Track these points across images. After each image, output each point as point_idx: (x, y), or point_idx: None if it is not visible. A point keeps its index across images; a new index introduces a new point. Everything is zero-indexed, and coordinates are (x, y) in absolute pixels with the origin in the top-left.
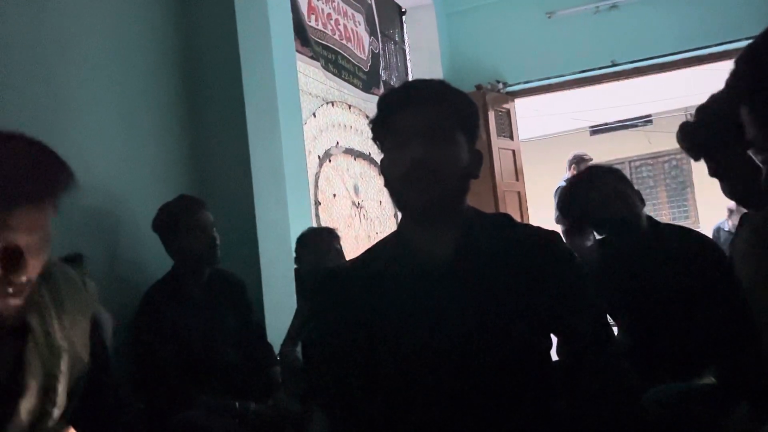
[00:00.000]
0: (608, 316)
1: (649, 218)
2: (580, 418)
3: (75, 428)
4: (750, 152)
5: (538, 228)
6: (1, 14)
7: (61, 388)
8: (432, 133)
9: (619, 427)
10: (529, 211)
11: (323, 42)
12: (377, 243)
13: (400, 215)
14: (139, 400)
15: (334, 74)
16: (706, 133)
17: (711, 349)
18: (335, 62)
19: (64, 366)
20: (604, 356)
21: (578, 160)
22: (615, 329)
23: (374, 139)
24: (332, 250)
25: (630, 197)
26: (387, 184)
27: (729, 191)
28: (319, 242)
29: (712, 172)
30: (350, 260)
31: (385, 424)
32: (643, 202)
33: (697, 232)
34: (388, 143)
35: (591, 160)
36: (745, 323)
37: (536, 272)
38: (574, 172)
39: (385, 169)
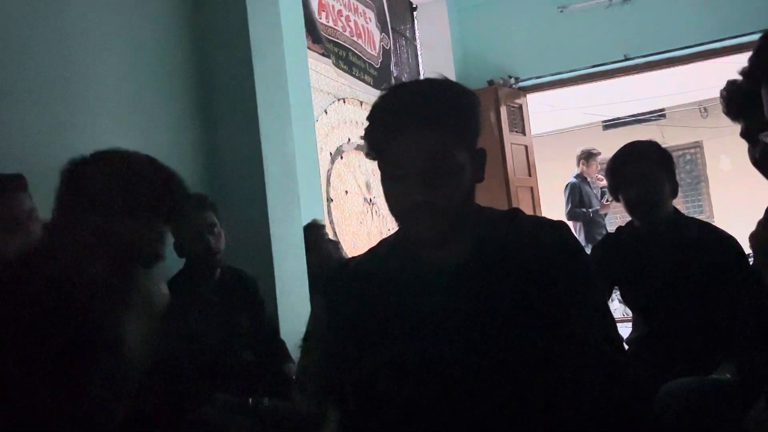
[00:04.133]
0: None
1: (676, 210)
2: (580, 413)
3: None
4: (763, 135)
5: (544, 219)
6: (18, 13)
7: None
8: (429, 165)
9: (614, 423)
10: (541, 206)
11: (334, 39)
12: (382, 244)
13: None
14: (151, 398)
15: (345, 71)
16: (745, 93)
17: (728, 343)
18: (346, 59)
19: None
20: (601, 349)
21: (587, 155)
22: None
23: (368, 154)
24: (324, 242)
25: (659, 183)
26: (387, 205)
27: (754, 157)
28: (309, 238)
29: (743, 134)
30: (356, 262)
31: (397, 424)
32: (674, 191)
33: (720, 229)
34: (383, 169)
35: (599, 154)
36: (765, 319)
37: (542, 266)
38: (584, 167)
39: (383, 189)
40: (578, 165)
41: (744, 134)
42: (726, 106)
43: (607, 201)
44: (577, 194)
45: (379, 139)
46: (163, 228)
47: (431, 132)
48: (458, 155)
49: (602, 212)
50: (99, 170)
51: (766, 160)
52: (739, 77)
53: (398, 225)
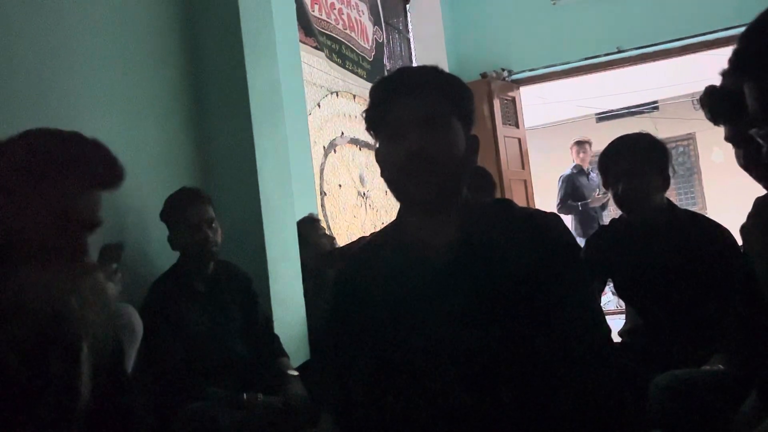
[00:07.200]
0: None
1: (669, 202)
2: (566, 402)
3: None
4: (752, 131)
5: (536, 210)
6: (7, 14)
7: (84, 380)
8: (427, 123)
9: (601, 414)
10: (535, 198)
11: (327, 32)
12: (377, 233)
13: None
14: (146, 393)
15: (339, 64)
16: (726, 98)
17: (721, 335)
18: (339, 52)
19: (83, 357)
20: (588, 341)
21: (576, 144)
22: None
23: (368, 129)
24: (320, 236)
25: (645, 178)
26: (384, 175)
27: (741, 160)
28: (305, 232)
29: (727, 138)
30: (351, 251)
31: (387, 408)
32: (665, 184)
33: (712, 220)
34: (383, 134)
35: (587, 141)
36: (757, 311)
37: (533, 256)
38: (577, 157)
39: (381, 160)
40: (571, 155)
41: (729, 138)
42: (708, 111)
43: (599, 194)
44: (569, 187)
45: (377, 111)
46: (95, 195)
47: (430, 96)
48: (452, 120)
49: (593, 205)
50: (21, 146)
51: (756, 160)
52: (718, 82)
53: (393, 191)
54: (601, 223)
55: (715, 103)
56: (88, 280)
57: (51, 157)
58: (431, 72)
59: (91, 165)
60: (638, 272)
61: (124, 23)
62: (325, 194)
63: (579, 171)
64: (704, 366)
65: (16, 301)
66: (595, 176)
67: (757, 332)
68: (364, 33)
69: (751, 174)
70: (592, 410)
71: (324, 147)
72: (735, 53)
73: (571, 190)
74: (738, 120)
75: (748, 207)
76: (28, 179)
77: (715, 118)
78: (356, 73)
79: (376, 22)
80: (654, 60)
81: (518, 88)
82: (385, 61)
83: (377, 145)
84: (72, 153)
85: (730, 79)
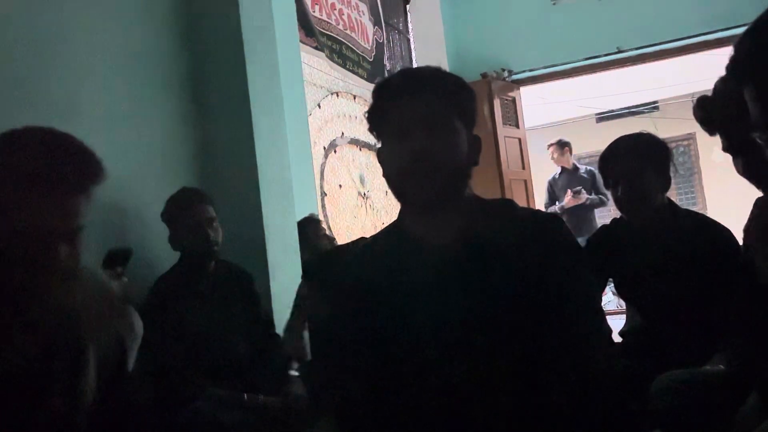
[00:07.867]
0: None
1: (670, 202)
2: (567, 402)
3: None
4: (754, 134)
5: (539, 211)
6: (7, 14)
7: (88, 380)
8: (430, 122)
9: (602, 414)
10: (535, 198)
11: (327, 32)
12: (378, 233)
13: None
14: (147, 393)
15: (339, 64)
16: (720, 108)
17: (722, 335)
18: (340, 52)
19: (89, 358)
20: (590, 341)
21: (549, 147)
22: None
23: (370, 129)
24: (321, 237)
25: (644, 180)
26: (386, 176)
27: (741, 168)
28: (309, 232)
29: (725, 148)
30: (351, 249)
31: (387, 408)
32: (666, 184)
33: (713, 220)
34: (385, 134)
35: (556, 143)
36: (757, 311)
37: (536, 256)
38: (556, 160)
39: (383, 160)
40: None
41: (726, 148)
42: (703, 122)
43: (574, 194)
44: (550, 192)
45: (380, 112)
46: (75, 193)
47: (433, 96)
48: (454, 120)
49: (568, 206)
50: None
51: (756, 166)
52: (712, 90)
53: (394, 191)
54: (594, 225)
55: (708, 112)
56: (91, 280)
57: (28, 157)
58: (434, 72)
59: (66, 163)
60: (639, 272)
61: (124, 23)
62: (326, 194)
63: (561, 173)
64: (704, 366)
65: (17, 303)
66: (585, 172)
67: (758, 332)
68: (365, 33)
69: (751, 181)
70: (592, 410)
71: (324, 147)
72: (733, 57)
73: (555, 194)
74: (734, 128)
75: (749, 207)
76: (8, 179)
77: (710, 128)
78: (356, 74)
79: (376, 22)
80: (654, 60)
81: (518, 88)
82: (386, 61)
83: (379, 146)
84: (47, 152)
85: (728, 84)
